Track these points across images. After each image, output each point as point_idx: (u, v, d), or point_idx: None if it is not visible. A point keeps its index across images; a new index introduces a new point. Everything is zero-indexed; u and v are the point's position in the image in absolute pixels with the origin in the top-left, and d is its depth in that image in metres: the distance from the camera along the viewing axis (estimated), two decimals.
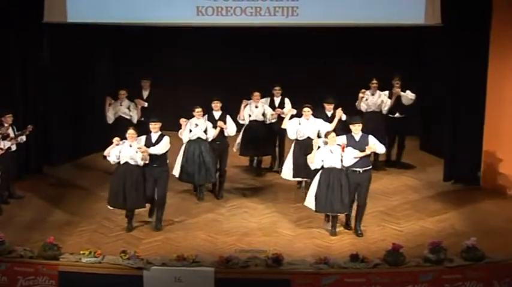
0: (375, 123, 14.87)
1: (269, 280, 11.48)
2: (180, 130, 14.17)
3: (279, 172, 15.11)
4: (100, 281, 11.57)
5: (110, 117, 15.35)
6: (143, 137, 13.05)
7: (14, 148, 14.08)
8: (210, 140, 14.19)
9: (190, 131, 14.11)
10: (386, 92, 15.80)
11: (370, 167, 12.99)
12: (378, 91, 15.75)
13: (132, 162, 12.85)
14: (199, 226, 13.37)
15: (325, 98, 14.59)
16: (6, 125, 13.94)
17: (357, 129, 12.86)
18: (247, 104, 15.28)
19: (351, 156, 12.69)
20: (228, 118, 14.41)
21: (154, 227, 13.19)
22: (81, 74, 16.52)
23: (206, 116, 14.31)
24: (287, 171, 14.30)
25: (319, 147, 12.96)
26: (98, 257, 11.68)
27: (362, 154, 12.72)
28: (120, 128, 14.24)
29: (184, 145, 14.22)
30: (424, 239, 12.47)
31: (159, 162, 13.01)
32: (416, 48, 17.37)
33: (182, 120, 14.15)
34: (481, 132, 14.70)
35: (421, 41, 16.97)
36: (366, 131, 13.00)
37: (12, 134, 14.02)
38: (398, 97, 15.72)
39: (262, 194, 14.76)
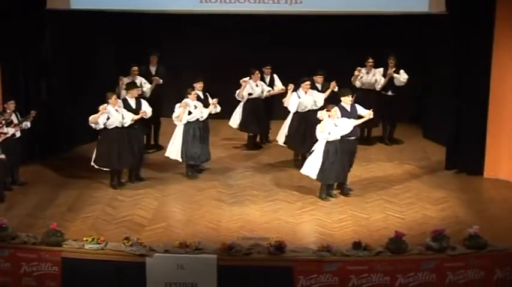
0: (368, 101, 15.15)
1: (272, 267, 11.50)
2: (176, 113, 14.49)
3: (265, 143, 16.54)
4: (103, 268, 11.60)
5: (124, 95, 15.27)
6: (120, 101, 14.33)
7: (18, 134, 14.10)
8: (203, 119, 14.70)
9: (190, 113, 14.49)
10: (381, 69, 16.34)
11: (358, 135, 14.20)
12: (372, 69, 16.32)
13: (120, 125, 14.00)
14: (202, 213, 13.39)
15: (315, 72, 15.40)
16: (8, 111, 13.96)
17: (348, 101, 13.74)
18: (246, 83, 15.90)
19: (351, 125, 13.43)
20: (210, 98, 14.97)
21: (136, 181, 14.50)
22: (83, 62, 16.48)
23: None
24: (282, 137, 15.24)
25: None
26: (100, 243, 11.70)
27: (361, 121, 13.70)
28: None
29: (182, 127, 14.54)
30: (427, 227, 12.48)
31: (137, 124, 14.36)
32: (419, 36, 17.31)
33: (183, 103, 14.49)
34: (484, 121, 14.67)
35: (425, 29, 16.91)
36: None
37: (15, 121, 14.03)
38: (392, 77, 16.24)
39: (265, 181, 14.76)
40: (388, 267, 11.45)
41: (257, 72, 16.08)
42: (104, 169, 14.31)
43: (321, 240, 12.17)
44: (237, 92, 16.01)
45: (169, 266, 11.51)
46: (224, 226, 12.89)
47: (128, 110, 14.31)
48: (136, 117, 14.30)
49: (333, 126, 13.46)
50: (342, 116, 13.61)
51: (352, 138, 13.81)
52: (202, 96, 14.88)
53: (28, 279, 11.78)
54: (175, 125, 14.76)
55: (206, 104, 14.84)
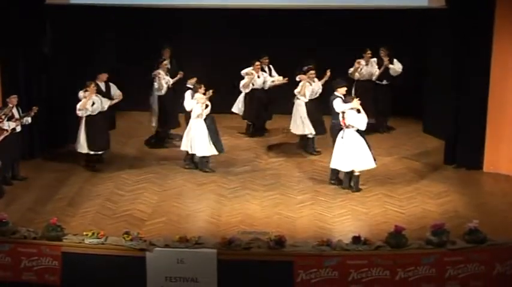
0: (365, 91, 15.99)
1: (271, 262, 11.51)
2: (191, 106, 14.68)
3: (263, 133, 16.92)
4: (103, 262, 11.61)
5: (164, 88, 15.93)
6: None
7: (18, 129, 14.11)
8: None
9: (207, 106, 14.73)
10: (375, 59, 16.72)
11: None
12: (370, 60, 16.69)
13: (101, 110, 14.85)
14: (202, 208, 13.40)
15: (307, 63, 15.86)
16: (10, 105, 13.96)
17: (343, 92, 14.20)
18: (253, 74, 16.36)
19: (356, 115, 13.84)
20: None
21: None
22: (84, 57, 16.47)
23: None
24: (305, 128, 15.69)
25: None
26: (101, 238, 11.71)
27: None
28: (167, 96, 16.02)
29: (197, 122, 14.65)
30: (427, 221, 12.48)
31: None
32: (419, 31, 17.31)
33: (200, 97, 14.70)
34: (484, 115, 14.68)
35: (425, 24, 16.91)
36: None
37: (17, 115, 14.04)
38: (386, 66, 16.67)
39: (265, 176, 14.77)
40: (388, 261, 11.46)
41: (258, 63, 16.38)
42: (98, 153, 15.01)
43: (320, 234, 12.18)
44: (242, 83, 16.43)
45: (169, 260, 11.52)
46: (224, 221, 12.91)
47: (101, 94, 15.04)
48: (114, 102, 15.25)
49: (355, 114, 13.71)
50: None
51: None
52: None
53: (28, 274, 11.80)
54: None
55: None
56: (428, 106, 17.01)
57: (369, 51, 16.59)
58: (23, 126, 14.22)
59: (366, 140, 13.83)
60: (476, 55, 14.48)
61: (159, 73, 15.89)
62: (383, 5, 15.23)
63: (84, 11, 15.69)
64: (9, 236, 11.86)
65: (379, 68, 16.70)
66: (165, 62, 16.15)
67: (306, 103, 15.66)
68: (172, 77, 16.15)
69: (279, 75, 16.68)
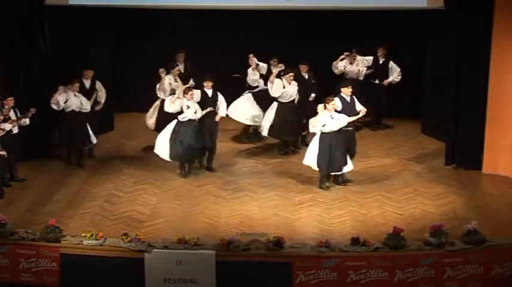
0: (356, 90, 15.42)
1: (270, 263, 11.51)
2: (171, 97, 14.56)
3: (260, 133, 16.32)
4: (101, 264, 11.61)
5: (167, 93, 15.53)
6: (77, 86, 15.01)
7: (15, 130, 14.09)
8: (198, 119, 14.54)
9: (182, 112, 14.42)
10: (371, 58, 16.79)
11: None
12: (356, 60, 16.63)
13: (77, 109, 14.90)
14: (201, 209, 13.40)
15: (301, 61, 15.86)
16: (7, 107, 13.95)
17: (348, 92, 14.20)
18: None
19: (346, 120, 13.85)
20: (220, 96, 14.87)
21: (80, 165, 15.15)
22: (82, 58, 16.47)
23: (198, 94, 14.70)
24: (265, 127, 15.64)
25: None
26: (99, 239, 11.71)
27: (355, 118, 14.10)
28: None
29: (173, 125, 14.48)
30: (426, 222, 12.48)
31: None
32: (418, 32, 17.30)
33: (174, 97, 14.55)
34: (483, 116, 14.66)
35: (424, 25, 16.90)
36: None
37: (13, 117, 14.02)
38: (382, 66, 16.82)
39: (264, 177, 14.76)
40: (387, 262, 11.46)
41: (251, 55, 15.95)
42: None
43: (319, 236, 12.18)
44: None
45: (168, 262, 11.52)
46: (223, 222, 12.90)
47: (82, 92, 15.13)
48: (91, 101, 15.24)
49: (329, 119, 13.70)
50: (341, 107, 14.01)
51: (350, 129, 14.21)
52: (210, 95, 14.79)
53: (27, 275, 11.80)
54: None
55: (215, 102, 14.79)
56: (426, 107, 17.00)
57: (354, 51, 16.56)
58: (20, 127, 14.20)
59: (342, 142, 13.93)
60: (475, 56, 14.47)
61: (163, 76, 15.55)
62: (381, 6, 15.21)
63: (84, 11, 15.67)
64: (8, 237, 11.86)
65: (373, 65, 16.73)
66: (177, 68, 15.86)
67: (278, 106, 15.50)
68: (185, 83, 15.56)
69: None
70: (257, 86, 16.19)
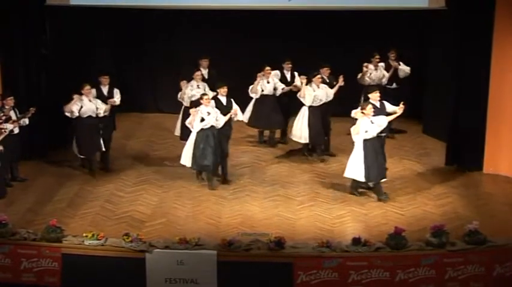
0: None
1: (271, 263, 11.51)
2: (189, 119, 13.96)
3: (285, 142, 16.23)
4: (103, 264, 11.61)
5: (187, 100, 15.26)
6: (94, 90, 14.62)
7: (16, 130, 14.08)
8: (220, 127, 14.04)
9: (203, 119, 13.84)
10: (382, 64, 16.50)
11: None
12: (378, 65, 16.42)
13: (93, 115, 14.44)
14: (202, 209, 13.40)
15: (321, 64, 15.57)
16: (7, 107, 13.96)
17: (376, 97, 13.80)
18: (260, 78, 15.63)
19: (386, 121, 13.51)
20: (234, 103, 14.48)
21: (107, 169, 14.86)
22: (83, 58, 16.50)
23: (213, 102, 14.21)
24: (303, 134, 15.25)
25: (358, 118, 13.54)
26: (100, 239, 11.71)
27: (395, 116, 13.78)
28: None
29: (195, 134, 13.94)
30: (427, 223, 12.49)
31: (110, 114, 14.84)
32: (419, 32, 17.32)
33: (193, 111, 13.91)
34: (484, 116, 14.67)
35: (425, 25, 16.91)
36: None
37: (14, 117, 14.03)
38: (396, 69, 16.50)
39: (265, 177, 14.76)
40: (388, 263, 11.46)
41: (268, 68, 15.69)
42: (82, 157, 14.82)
43: (320, 236, 12.18)
44: (250, 87, 15.73)
45: (169, 262, 11.52)
46: (224, 222, 12.90)
47: (101, 98, 14.66)
48: (107, 107, 14.63)
49: (370, 124, 13.34)
50: (374, 113, 13.57)
51: (383, 134, 13.83)
52: (225, 102, 14.35)
53: (28, 275, 11.80)
54: None
55: (229, 111, 14.26)
56: (428, 107, 17.02)
57: (377, 56, 16.29)
58: (20, 127, 14.20)
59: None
60: (476, 56, 14.47)
61: (184, 84, 15.27)
62: (382, 6, 15.22)
63: (84, 12, 15.69)
64: (9, 237, 11.86)
65: (387, 71, 16.47)
66: (198, 73, 15.48)
67: (309, 109, 15.20)
68: (211, 89, 15.17)
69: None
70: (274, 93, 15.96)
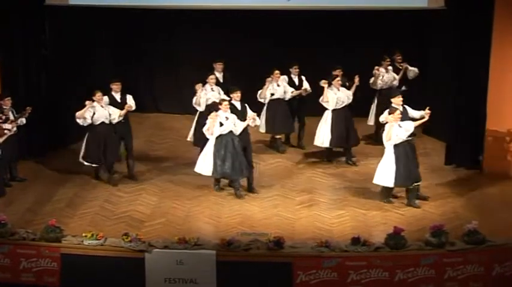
0: (388, 100, 14.69)
1: (271, 263, 11.51)
2: (207, 126, 13.56)
3: (302, 146, 16.00)
4: (102, 264, 11.62)
5: (203, 104, 14.99)
6: (106, 97, 14.25)
7: (14, 130, 14.06)
8: (238, 133, 13.74)
9: (221, 124, 13.54)
10: (390, 68, 16.34)
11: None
12: (388, 68, 16.27)
13: (107, 121, 14.09)
14: (201, 209, 13.39)
15: (334, 67, 15.29)
16: (6, 107, 13.96)
17: (399, 101, 13.59)
18: (269, 83, 15.46)
19: (413, 126, 13.38)
20: (249, 109, 14.09)
21: (131, 176, 14.51)
22: (83, 58, 16.50)
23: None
24: (325, 139, 15.06)
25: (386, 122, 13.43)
26: (99, 239, 11.71)
27: (421, 121, 13.71)
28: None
29: (214, 141, 13.62)
30: (426, 222, 12.48)
31: (124, 119, 14.39)
32: (418, 32, 17.32)
33: (212, 115, 13.52)
34: (483, 116, 14.67)
35: (424, 25, 16.91)
36: (383, 108, 14.01)
37: (12, 117, 14.03)
38: (405, 71, 16.35)
39: (264, 177, 14.75)
40: (387, 262, 11.46)
41: (277, 72, 15.47)
42: (93, 165, 14.35)
43: (320, 235, 12.18)
44: (259, 92, 15.48)
45: (168, 261, 11.52)
46: (223, 222, 12.90)
47: (114, 105, 14.30)
48: (123, 112, 14.24)
49: (398, 129, 13.20)
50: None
51: (409, 138, 13.44)
52: (239, 107, 13.95)
53: (27, 275, 11.80)
54: None
55: (244, 116, 13.81)
56: (427, 107, 16.98)
57: (388, 59, 16.13)
58: (19, 127, 14.20)
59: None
60: (475, 56, 14.47)
61: (199, 87, 14.96)
62: (382, 6, 15.22)
63: (84, 11, 15.69)
64: (8, 237, 11.86)
65: (396, 73, 16.31)
66: (212, 76, 15.12)
67: (333, 112, 15.03)
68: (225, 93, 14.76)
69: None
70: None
